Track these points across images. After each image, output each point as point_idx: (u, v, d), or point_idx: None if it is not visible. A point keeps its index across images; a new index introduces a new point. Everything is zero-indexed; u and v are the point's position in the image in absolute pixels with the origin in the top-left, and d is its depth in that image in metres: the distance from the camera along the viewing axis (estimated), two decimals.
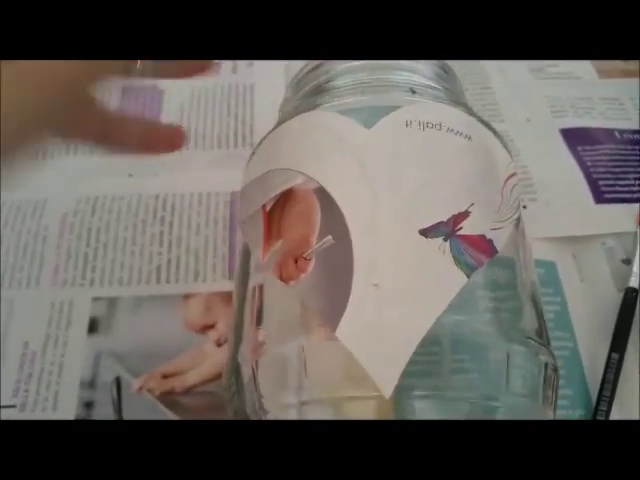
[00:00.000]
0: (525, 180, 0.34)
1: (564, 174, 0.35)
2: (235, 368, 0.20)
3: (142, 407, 0.27)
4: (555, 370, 0.19)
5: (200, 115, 0.37)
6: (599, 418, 0.26)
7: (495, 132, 0.23)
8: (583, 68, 0.41)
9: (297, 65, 0.40)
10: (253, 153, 0.24)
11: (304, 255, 0.19)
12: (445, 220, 0.19)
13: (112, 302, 0.30)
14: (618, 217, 0.33)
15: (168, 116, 0.37)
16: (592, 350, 0.28)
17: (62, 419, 0.26)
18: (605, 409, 0.26)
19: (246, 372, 0.19)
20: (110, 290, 0.30)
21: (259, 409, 0.19)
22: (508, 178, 0.22)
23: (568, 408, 0.27)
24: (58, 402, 0.27)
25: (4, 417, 0.26)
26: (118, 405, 0.27)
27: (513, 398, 0.18)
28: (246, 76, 0.39)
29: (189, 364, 0.28)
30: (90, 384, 0.27)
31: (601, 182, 0.34)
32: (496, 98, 0.38)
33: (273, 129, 0.23)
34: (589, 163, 0.35)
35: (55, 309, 0.29)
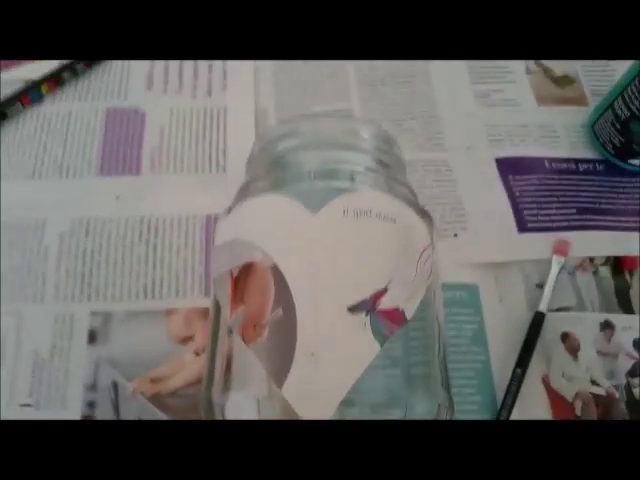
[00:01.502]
0: (459, 210, 0.39)
1: (494, 204, 0.40)
2: (208, 403, 0.26)
3: (136, 407, 0.33)
4: (450, 407, 0.26)
5: (179, 138, 0.42)
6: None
7: (418, 209, 0.28)
8: (524, 95, 0.45)
9: (265, 91, 0.44)
10: (225, 214, 0.30)
11: (261, 323, 0.25)
12: (368, 298, 0.25)
13: (107, 315, 0.35)
14: (537, 245, 0.38)
15: (150, 139, 0.41)
16: (503, 364, 0.35)
17: (71, 419, 0.32)
18: (506, 416, 0.33)
19: (217, 405, 0.26)
20: (105, 305, 0.36)
21: None
22: (423, 251, 0.27)
23: (476, 413, 0.34)
24: (67, 402, 0.33)
25: (23, 414, 0.33)
26: (116, 405, 0.33)
27: None
28: (219, 100, 0.43)
29: (172, 370, 0.34)
30: (92, 387, 0.34)
31: (526, 212, 0.40)
32: (442, 126, 0.43)
33: (239, 200, 0.29)
34: (517, 193, 0.40)
35: (58, 322, 0.35)
